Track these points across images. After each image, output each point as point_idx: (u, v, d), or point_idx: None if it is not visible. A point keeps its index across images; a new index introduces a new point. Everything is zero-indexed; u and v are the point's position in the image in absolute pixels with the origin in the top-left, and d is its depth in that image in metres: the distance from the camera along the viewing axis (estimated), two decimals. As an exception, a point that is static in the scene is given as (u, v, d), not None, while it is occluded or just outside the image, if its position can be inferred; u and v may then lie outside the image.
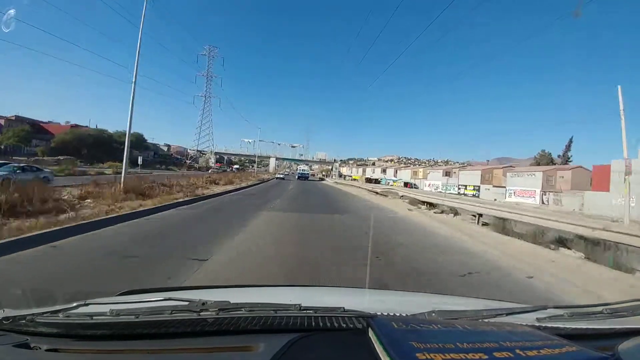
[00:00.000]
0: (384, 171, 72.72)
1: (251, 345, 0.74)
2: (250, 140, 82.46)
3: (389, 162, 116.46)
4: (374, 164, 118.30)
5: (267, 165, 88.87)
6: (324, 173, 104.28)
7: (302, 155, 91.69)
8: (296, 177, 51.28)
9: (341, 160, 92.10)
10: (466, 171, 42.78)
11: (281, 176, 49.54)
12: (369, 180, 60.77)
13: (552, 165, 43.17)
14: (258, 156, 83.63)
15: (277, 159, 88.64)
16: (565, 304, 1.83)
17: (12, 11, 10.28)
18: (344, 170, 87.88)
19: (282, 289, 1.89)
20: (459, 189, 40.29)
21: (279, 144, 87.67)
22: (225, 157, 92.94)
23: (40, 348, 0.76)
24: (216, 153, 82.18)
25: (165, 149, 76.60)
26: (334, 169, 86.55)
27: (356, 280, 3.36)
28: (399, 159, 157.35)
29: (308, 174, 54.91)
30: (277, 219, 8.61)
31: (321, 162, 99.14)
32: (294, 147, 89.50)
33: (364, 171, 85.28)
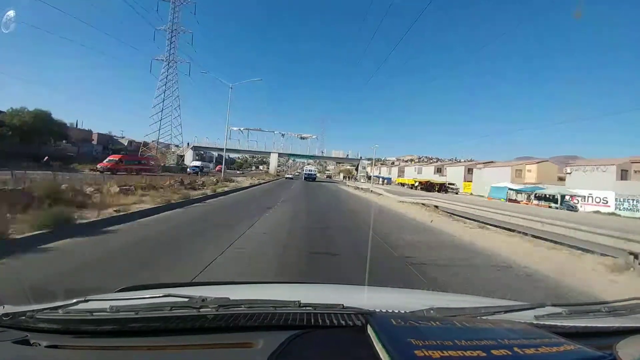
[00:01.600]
0: (438, 170, 49.53)
1: (251, 342, 0.74)
2: (242, 129, 58.87)
3: (409, 162, 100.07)
4: (393, 163, 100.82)
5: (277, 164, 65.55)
6: (343, 174, 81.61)
7: (314, 153, 66.43)
8: (302, 178, 48.72)
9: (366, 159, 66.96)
10: None
11: (290, 176, 51.12)
12: (428, 188, 37.80)
13: None
14: (256, 152, 61.47)
15: (280, 155, 63.82)
16: (564, 302, 1.61)
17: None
18: (368, 171, 64.83)
19: (282, 285, 1.92)
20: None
21: (282, 135, 60.46)
22: (226, 156, 69.84)
23: (40, 344, 0.75)
24: (196, 147, 59.58)
25: (126, 143, 54.55)
26: (360, 169, 62.78)
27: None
28: (420, 158, 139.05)
29: (315, 174, 49.60)
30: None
31: (339, 160, 74.87)
32: (303, 138, 62.04)
33: (400, 172, 62.31)
